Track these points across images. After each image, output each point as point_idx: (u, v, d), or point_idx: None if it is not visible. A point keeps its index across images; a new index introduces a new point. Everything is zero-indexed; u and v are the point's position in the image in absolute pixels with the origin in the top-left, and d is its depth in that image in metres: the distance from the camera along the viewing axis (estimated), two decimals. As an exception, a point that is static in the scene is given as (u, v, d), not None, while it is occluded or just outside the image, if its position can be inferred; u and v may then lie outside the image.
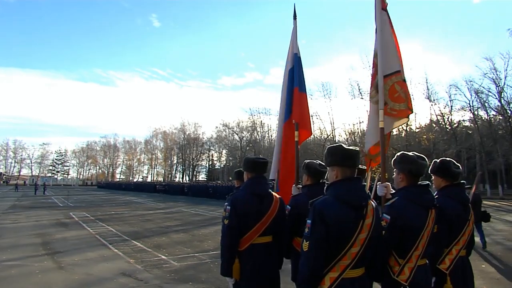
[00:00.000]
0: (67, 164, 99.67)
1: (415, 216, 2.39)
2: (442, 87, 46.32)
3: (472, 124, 42.36)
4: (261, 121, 64.09)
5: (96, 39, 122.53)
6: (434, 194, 2.68)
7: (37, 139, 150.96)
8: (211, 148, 79.72)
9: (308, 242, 2.05)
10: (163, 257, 7.46)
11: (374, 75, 3.83)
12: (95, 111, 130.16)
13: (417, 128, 46.43)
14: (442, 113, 42.48)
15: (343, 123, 53.84)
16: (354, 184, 2.18)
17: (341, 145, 2.28)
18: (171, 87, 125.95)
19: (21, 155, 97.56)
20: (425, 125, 46.73)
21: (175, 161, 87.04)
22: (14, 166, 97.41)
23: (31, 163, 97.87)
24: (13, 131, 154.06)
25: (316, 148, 52.97)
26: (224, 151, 76.63)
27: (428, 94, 42.09)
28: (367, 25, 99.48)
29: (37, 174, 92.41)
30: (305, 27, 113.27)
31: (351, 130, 52.51)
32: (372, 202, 2.21)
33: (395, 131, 48.55)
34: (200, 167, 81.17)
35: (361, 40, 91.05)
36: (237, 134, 67.61)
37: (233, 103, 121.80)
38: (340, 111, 75.60)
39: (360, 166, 3.17)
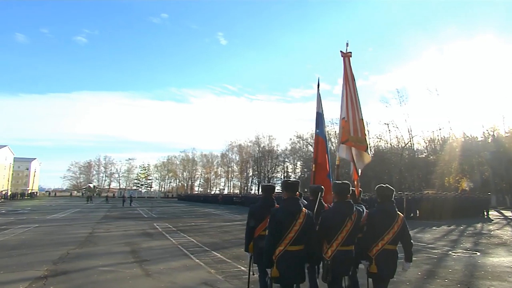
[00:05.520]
0: (150, 177, 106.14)
1: (336, 220, 4.01)
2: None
3: None
4: (335, 131, 62.77)
5: (168, 60, 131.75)
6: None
7: (124, 154, 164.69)
8: (286, 160, 79.95)
9: (267, 231, 3.97)
10: (243, 268, 7.54)
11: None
12: (173, 127, 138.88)
13: (506, 133, 42.04)
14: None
15: (422, 130, 50.12)
16: (292, 201, 4.00)
17: (286, 180, 4.19)
18: (241, 102, 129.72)
19: (111, 170, 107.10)
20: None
21: (250, 174, 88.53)
22: (105, 180, 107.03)
23: (119, 177, 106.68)
24: (103, 148, 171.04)
25: (394, 157, 50.47)
26: (299, 163, 76.34)
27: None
28: (436, 26, 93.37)
29: (124, 187, 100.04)
30: (371, 33, 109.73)
31: (431, 138, 49.08)
32: (306, 210, 3.95)
33: (480, 137, 44.52)
34: (275, 179, 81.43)
35: (432, 42, 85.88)
36: (312, 146, 66.94)
37: (304, 114, 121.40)
38: (418, 118, 71.27)
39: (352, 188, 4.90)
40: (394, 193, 4.35)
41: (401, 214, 4.19)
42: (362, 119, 5.97)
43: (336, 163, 6.19)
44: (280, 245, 3.80)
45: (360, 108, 6.03)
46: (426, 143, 49.95)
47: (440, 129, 46.35)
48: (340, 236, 3.91)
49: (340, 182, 4.30)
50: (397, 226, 4.07)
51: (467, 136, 42.33)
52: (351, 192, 4.34)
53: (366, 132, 5.63)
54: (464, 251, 10.02)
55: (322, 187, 5.05)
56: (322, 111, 6.99)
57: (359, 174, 5.84)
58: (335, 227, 3.94)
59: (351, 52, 6.31)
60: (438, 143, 47.28)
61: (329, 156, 6.70)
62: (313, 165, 6.46)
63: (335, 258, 3.91)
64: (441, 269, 7.68)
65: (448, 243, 11.71)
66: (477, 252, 9.75)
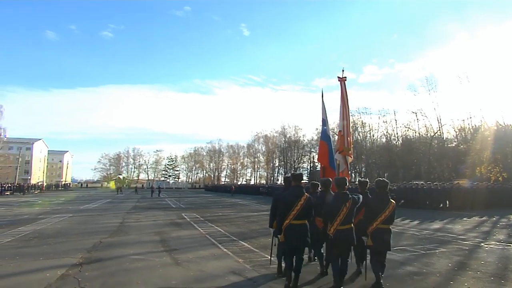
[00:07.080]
0: (178, 168, 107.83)
1: (335, 205, 5.28)
2: None
3: None
4: (362, 121, 61.62)
5: (192, 52, 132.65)
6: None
7: (152, 146, 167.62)
8: (312, 150, 79.21)
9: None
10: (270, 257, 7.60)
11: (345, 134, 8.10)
12: (199, 118, 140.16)
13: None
14: None
15: (451, 119, 48.18)
16: (297, 188, 5.48)
17: (293, 172, 5.98)
18: (266, 92, 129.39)
19: (139, 161, 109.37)
20: None
21: (277, 164, 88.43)
22: (134, 171, 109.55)
23: (147, 168, 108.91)
24: (132, 140, 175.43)
25: (422, 146, 49.16)
26: (325, 153, 75.23)
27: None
28: (465, 11, 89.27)
29: (152, 178, 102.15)
30: (395, 20, 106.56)
31: (461, 126, 47.23)
32: (307, 194, 5.43)
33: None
34: (301, 169, 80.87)
35: (461, 27, 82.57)
36: (337, 135, 66.03)
37: (330, 104, 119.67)
38: (448, 106, 68.58)
39: (362, 179, 6.96)
40: (389, 184, 5.67)
41: (393, 202, 5.45)
42: (351, 132, 7.90)
43: (337, 162, 8.13)
44: (287, 219, 5.29)
45: (350, 123, 8.21)
46: (456, 132, 48.21)
47: (471, 117, 44.68)
48: (338, 218, 5.21)
49: (339, 177, 5.89)
50: (388, 211, 5.35)
51: (500, 124, 40.47)
52: (347, 184, 5.60)
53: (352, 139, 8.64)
54: (497, 243, 9.73)
55: (330, 179, 6.17)
56: (326, 117, 8.69)
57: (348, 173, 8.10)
58: (335, 211, 5.25)
59: (346, 77, 8.14)
60: (469, 131, 45.56)
61: (334, 154, 8.31)
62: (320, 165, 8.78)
63: (336, 234, 5.23)
64: (473, 261, 7.50)
65: (480, 234, 11.39)
66: (511, 244, 9.45)
